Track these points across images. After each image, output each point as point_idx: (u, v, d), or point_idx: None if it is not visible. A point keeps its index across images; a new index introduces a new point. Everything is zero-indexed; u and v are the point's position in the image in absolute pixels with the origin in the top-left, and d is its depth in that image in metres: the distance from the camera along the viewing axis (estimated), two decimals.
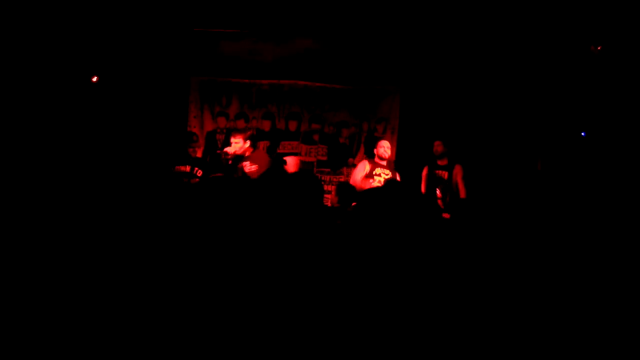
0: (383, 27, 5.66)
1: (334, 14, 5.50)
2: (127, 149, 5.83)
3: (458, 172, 5.21)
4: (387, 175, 5.02)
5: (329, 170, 6.18)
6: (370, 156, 5.41)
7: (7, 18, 5.00)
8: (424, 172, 5.43)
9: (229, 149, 4.89)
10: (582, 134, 6.07)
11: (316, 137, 6.27)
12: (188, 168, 5.48)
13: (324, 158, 6.27)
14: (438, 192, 5.07)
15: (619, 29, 5.37)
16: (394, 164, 5.48)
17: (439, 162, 5.32)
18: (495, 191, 5.62)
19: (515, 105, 6.07)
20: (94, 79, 5.87)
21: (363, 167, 5.10)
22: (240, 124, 6.18)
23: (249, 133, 4.98)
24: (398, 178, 5.21)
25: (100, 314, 2.15)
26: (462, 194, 5.13)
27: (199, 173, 5.50)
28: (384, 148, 5.15)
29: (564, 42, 5.64)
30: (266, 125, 6.21)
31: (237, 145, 4.80)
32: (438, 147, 5.29)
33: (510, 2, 5.23)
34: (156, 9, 5.36)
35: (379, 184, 4.86)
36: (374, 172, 5.03)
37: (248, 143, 4.83)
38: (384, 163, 5.13)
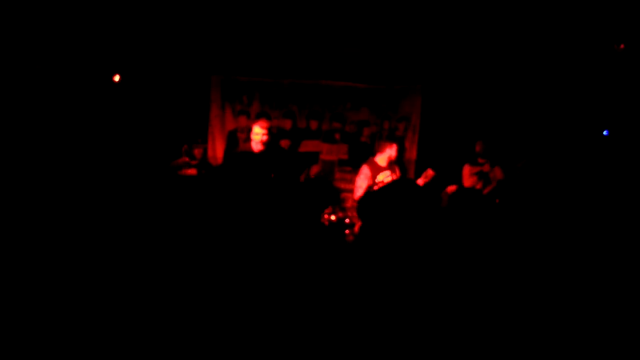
0: (404, 26, 5.66)
1: (355, 13, 5.51)
2: (147, 149, 5.84)
3: (497, 173, 5.21)
4: (388, 177, 4.87)
5: (350, 169, 6.17)
6: (364, 158, 5.18)
7: (29, 18, 5.03)
8: (466, 170, 5.38)
9: None
10: (605, 132, 6.03)
11: (337, 136, 6.26)
12: (195, 171, 5.48)
13: (345, 157, 6.25)
14: (479, 185, 5.04)
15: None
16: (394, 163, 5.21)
17: (480, 160, 5.32)
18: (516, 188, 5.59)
19: (536, 103, 6.06)
20: (116, 78, 5.88)
21: (365, 176, 4.88)
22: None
23: None
24: (398, 173, 5.09)
25: (101, 311, 2.14)
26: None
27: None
28: (395, 151, 4.95)
29: (585, 40, 5.63)
30: (287, 124, 6.21)
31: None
32: (478, 146, 5.30)
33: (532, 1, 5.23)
34: (175, 8, 5.38)
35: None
36: (376, 180, 4.87)
37: None
38: (385, 165, 4.94)
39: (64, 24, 5.24)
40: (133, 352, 2.02)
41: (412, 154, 6.33)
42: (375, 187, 4.80)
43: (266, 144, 4.74)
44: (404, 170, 5.50)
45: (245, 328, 2.00)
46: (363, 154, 6.20)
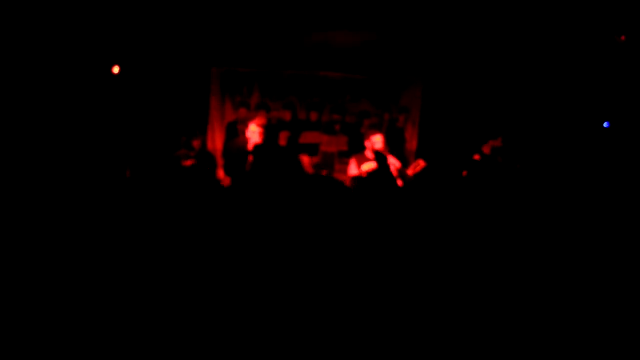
0: (406, 17, 5.65)
1: (355, 5, 5.48)
2: (147, 141, 5.83)
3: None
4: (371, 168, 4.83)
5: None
6: (360, 150, 5.12)
7: (28, 11, 5.02)
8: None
9: None
10: (605, 124, 6.03)
11: (337, 127, 6.26)
12: (193, 162, 5.46)
13: (345, 148, 6.25)
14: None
15: None
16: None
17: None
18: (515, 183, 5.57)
19: (536, 96, 6.05)
20: (115, 69, 5.87)
21: (354, 166, 4.98)
22: (261, 114, 6.17)
23: None
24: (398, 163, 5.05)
25: (103, 306, 2.13)
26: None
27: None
28: (379, 143, 4.89)
29: (586, 31, 5.61)
30: (287, 116, 6.20)
31: None
32: (498, 142, 5.26)
33: None
34: (175, 0, 5.36)
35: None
36: (361, 170, 4.89)
37: None
38: (372, 156, 4.88)
39: (64, 16, 5.23)
40: (134, 347, 2.01)
41: (412, 145, 6.33)
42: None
43: (263, 139, 4.78)
44: (404, 161, 5.48)
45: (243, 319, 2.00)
46: (363, 145, 6.20)
